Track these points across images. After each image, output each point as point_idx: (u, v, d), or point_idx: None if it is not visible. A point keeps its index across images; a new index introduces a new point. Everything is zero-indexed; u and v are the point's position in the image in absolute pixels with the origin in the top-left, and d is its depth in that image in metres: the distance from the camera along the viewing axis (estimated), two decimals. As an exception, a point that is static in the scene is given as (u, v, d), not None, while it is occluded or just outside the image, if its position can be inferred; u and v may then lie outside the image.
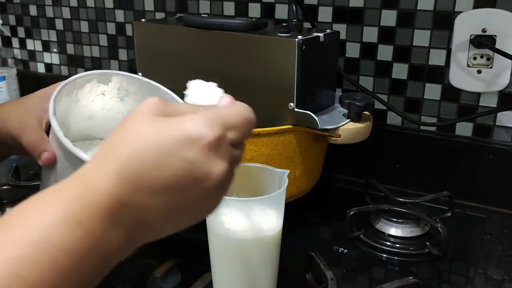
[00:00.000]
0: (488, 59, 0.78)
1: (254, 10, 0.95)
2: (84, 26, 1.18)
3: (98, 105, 0.56)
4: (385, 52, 0.86)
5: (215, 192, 0.35)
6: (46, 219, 0.31)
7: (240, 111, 0.38)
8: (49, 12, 1.23)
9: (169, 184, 0.33)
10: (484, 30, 0.77)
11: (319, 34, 0.68)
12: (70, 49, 1.23)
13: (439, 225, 0.69)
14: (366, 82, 0.88)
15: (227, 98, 0.39)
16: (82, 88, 0.53)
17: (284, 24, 0.69)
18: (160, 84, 0.55)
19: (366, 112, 0.71)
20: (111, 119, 0.58)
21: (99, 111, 0.57)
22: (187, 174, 0.33)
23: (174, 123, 0.34)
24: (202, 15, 0.81)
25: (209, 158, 0.34)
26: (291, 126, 0.68)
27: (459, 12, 0.78)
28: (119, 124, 0.35)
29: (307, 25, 0.87)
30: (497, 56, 0.77)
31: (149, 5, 1.07)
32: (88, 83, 0.53)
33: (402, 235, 0.72)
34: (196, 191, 0.34)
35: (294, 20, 0.69)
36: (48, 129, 0.53)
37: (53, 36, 1.25)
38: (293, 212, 0.64)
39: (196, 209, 0.37)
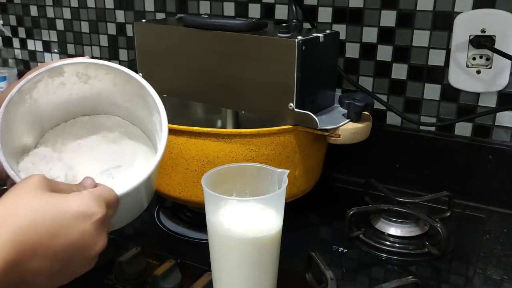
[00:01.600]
0: (487, 59, 0.78)
1: (254, 11, 0.95)
2: (85, 27, 1.18)
3: (64, 92, 0.55)
4: (384, 52, 0.86)
5: (94, 259, 0.42)
6: None
7: (111, 191, 0.45)
8: (50, 13, 1.23)
9: (60, 252, 0.39)
10: (483, 31, 0.77)
11: (319, 34, 0.68)
12: (70, 49, 1.23)
13: (438, 225, 0.69)
14: (366, 82, 0.88)
15: (90, 179, 0.46)
16: (34, 89, 0.52)
17: (284, 24, 0.69)
18: (114, 64, 0.54)
19: (365, 112, 0.71)
20: (86, 98, 0.57)
21: (68, 97, 0.56)
22: (78, 245, 0.40)
23: (67, 199, 0.40)
24: (202, 16, 0.81)
25: (98, 231, 0.41)
26: (291, 126, 0.68)
27: (459, 13, 0.78)
28: (2, 197, 0.39)
29: (307, 25, 0.87)
30: (496, 57, 0.77)
31: (149, 5, 1.07)
32: (39, 83, 0.52)
33: (402, 235, 0.73)
34: (80, 259, 0.41)
35: (294, 20, 0.70)
36: None
37: (53, 37, 1.25)
38: (293, 212, 0.65)
39: (73, 273, 0.42)
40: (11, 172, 0.46)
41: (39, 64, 1.29)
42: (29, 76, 0.50)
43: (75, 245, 0.40)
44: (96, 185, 0.46)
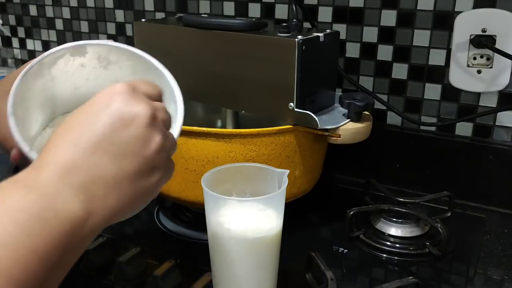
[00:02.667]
0: (488, 59, 0.78)
1: (254, 10, 0.95)
2: (84, 26, 1.18)
3: (81, 76, 0.54)
4: (385, 52, 0.86)
5: (148, 130, 0.38)
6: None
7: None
8: (49, 12, 1.23)
9: (103, 134, 0.36)
10: (484, 30, 0.77)
11: (319, 34, 0.68)
12: (70, 49, 1.23)
13: (439, 225, 0.69)
14: (366, 82, 0.88)
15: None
16: (54, 65, 0.51)
17: (284, 24, 0.69)
18: (139, 50, 0.52)
19: (366, 112, 0.71)
20: (102, 86, 0.56)
21: (85, 82, 0.55)
22: (114, 121, 0.37)
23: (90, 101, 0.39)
24: (202, 15, 0.81)
25: (128, 103, 0.38)
26: (291, 126, 0.68)
27: (459, 12, 0.78)
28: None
29: (307, 25, 0.87)
30: (497, 56, 0.77)
31: (149, 5, 1.07)
32: (60, 59, 0.50)
33: (402, 235, 0.72)
34: (128, 133, 0.37)
35: (294, 20, 0.69)
36: None
37: (53, 36, 1.25)
38: (293, 212, 0.64)
39: (139, 156, 0.38)
40: (18, 137, 0.44)
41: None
42: (52, 50, 0.49)
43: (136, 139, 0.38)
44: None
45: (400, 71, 0.86)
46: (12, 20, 1.30)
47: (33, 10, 1.25)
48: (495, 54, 0.77)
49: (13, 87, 0.45)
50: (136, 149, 0.38)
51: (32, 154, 0.43)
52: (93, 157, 0.36)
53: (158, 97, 0.43)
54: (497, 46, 0.76)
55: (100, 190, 0.36)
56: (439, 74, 0.83)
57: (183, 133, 0.67)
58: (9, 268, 0.29)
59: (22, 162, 0.45)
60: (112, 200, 0.36)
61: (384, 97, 0.87)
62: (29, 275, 0.30)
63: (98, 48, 0.52)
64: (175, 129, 0.50)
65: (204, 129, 0.66)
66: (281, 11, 0.93)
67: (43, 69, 0.50)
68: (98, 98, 0.39)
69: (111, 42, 0.52)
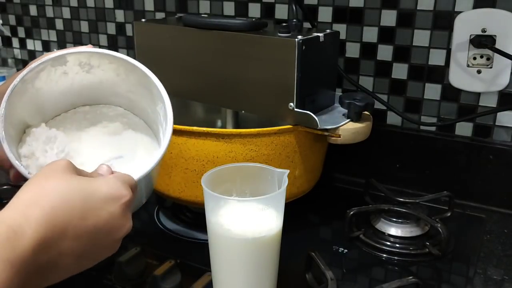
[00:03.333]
0: (488, 59, 0.78)
1: (254, 10, 0.95)
2: (84, 26, 1.18)
3: (66, 82, 0.55)
4: (385, 52, 0.86)
5: (119, 241, 0.43)
6: None
7: (130, 176, 0.46)
8: (49, 12, 1.23)
9: (89, 234, 0.39)
10: (484, 30, 0.77)
11: (319, 34, 0.68)
12: (70, 49, 1.23)
13: (439, 225, 0.69)
14: (366, 82, 0.88)
15: (106, 166, 0.46)
16: (37, 78, 0.51)
17: (284, 24, 0.69)
18: (118, 53, 0.53)
19: (366, 112, 0.71)
20: (88, 87, 0.57)
21: (70, 86, 0.56)
22: (107, 225, 0.40)
23: (95, 181, 0.41)
24: (202, 15, 0.81)
25: (125, 213, 0.42)
26: (291, 126, 0.68)
27: (459, 12, 0.78)
28: (31, 180, 0.40)
29: (307, 25, 0.87)
30: (497, 56, 0.77)
31: (149, 5, 1.07)
32: (41, 72, 0.51)
33: (402, 235, 0.72)
34: (107, 241, 0.41)
35: (294, 20, 0.69)
36: None
37: (53, 36, 1.25)
38: (293, 212, 0.64)
39: (99, 256, 0.42)
40: (15, 162, 0.46)
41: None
42: (32, 65, 0.50)
43: (104, 227, 0.40)
44: (112, 172, 0.46)
45: (400, 71, 0.86)
46: (12, 20, 1.30)
47: (33, 10, 1.25)
48: (495, 54, 0.77)
49: (0, 111, 0.47)
50: (102, 253, 0.43)
51: (30, 176, 0.45)
52: (67, 245, 0.38)
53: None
54: (497, 46, 0.76)
55: (54, 275, 0.38)
56: (439, 74, 0.83)
57: (183, 133, 0.68)
58: None
59: (22, 182, 0.46)
60: (56, 277, 0.39)
61: (384, 97, 0.87)
62: None
63: (78, 56, 0.53)
64: (168, 127, 0.51)
65: (204, 129, 0.66)
66: (281, 11, 0.93)
67: (26, 84, 0.50)
68: (107, 192, 0.42)
69: (90, 49, 0.53)
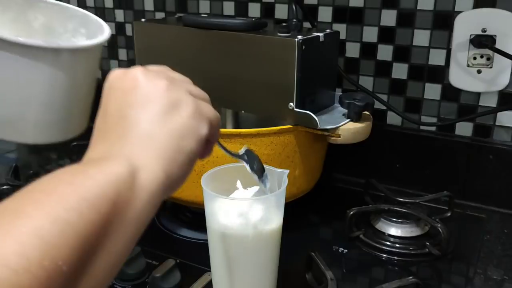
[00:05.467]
0: (488, 59, 0.78)
1: (254, 10, 0.95)
2: (84, 26, 1.18)
3: None
4: (385, 52, 0.86)
5: (169, 89, 0.38)
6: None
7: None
8: (49, 12, 1.23)
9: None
10: (484, 30, 0.77)
11: (319, 34, 0.68)
12: (70, 49, 1.23)
13: (439, 225, 0.69)
14: (366, 82, 0.88)
15: None
16: None
17: (284, 24, 0.69)
18: None
19: (366, 112, 0.71)
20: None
21: None
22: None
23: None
24: (202, 15, 0.81)
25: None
26: (291, 126, 0.68)
27: (459, 12, 0.78)
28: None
29: (307, 25, 0.87)
30: (497, 56, 0.77)
31: (149, 5, 1.07)
32: None
33: (402, 235, 0.72)
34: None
35: (294, 20, 0.69)
36: None
37: (53, 36, 1.25)
38: (293, 212, 0.64)
39: (180, 114, 0.38)
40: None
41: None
42: None
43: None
44: None
45: (400, 71, 0.85)
46: (12, 20, 1.30)
47: (33, 10, 1.25)
48: (495, 54, 0.77)
49: None
50: (155, 94, 0.38)
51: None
52: (125, 123, 0.36)
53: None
54: (497, 46, 0.76)
55: (137, 144, 0.35)
56: (439, 74, 0.83)
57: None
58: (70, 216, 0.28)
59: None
60: (150, 151, 0.35)
61: (384, 97, 0.87)
62: (79, 248, 0.28)
63: None
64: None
65: (204, 129, 0.66)
66: (281, 11, 0.92)
67: None
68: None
69: None
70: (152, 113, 0.36)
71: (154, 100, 0.37)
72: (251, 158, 0.53)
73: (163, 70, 0.42)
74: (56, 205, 0.28)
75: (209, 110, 0.41)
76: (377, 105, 0.84)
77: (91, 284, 0.29)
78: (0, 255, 0.25)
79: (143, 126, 0.36)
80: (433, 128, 0.86)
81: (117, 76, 0.39)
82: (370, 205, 0.77)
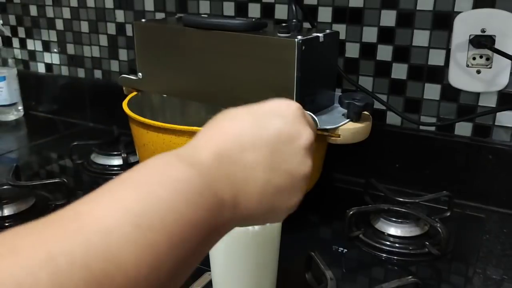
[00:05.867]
0: (487, 59, 0.78)
1: (254, 10, 0.95)
2: (84, 26, 1.18)
3: None
4: (384, 52, 0.86)
5: (305, 154, 0.39)
6: (162, 176, 0.31)
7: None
8: (49, 12, 1.23)
9: (267, 140, 0.37)
10: (483, 30, 0.77)
11: (318, 34, 0.68)
12: (70, 49, 1.23)
13: (438, 225, 0.69)
14: (366, 82, 0.88)
15: None
16: None
17: (283, 24, 0.69)
18: None
19: (365, 112, 0.71)
20: None
21: None
22: (282, 132, 0.38)
23: (260, 104, 0.40)
24: (202, 15, 0.81)
25: (299, 121, 0.39)
26: (290, 126, 0.68)
27: (459, 12, 0.78)
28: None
29: (307, 25, 0.87)
30: (496, 56, 0.77)
31: (149, 5, 1.07)
32: None
33: (402, 235, 0.72)
34: (290, 149, 0.38)
35: (294, 20, 0.69)
36: None
37: (53, 36, 1.25)
38: (293, 212, 0.64)
39: (289, 165, 0.38)
40: None
41: (38, 64, 1.30)
42: None
43: (281, 133, 0.38)
44: None
45: (399, 71, 0.86)
46: (12, 20, 1.31)
47: (33, 10, 1.26)
48: (495, 54, 0.77)
49: None
50: (289, 167, 0.38)
51: None
52: (249, 156, 0.36)
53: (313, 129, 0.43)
54: (497, 46, 0.76)
55: (247, 189, 0.36)
56: (439, 74, 0.83)
57: (183, 133, 0.68)
58: (160, 231, 0.28)
59: None
60: (253, 203, 0.36)
61: (384, 97, 0.87)
62: (173, 244, 0.29)
63: None
64: None
65: (204, 129, 0.66)
66: (281, 11, 0.93)
67: None
68: (273, 105, 0.40)
69: None
70: (281, 183, 0.37)
71: (292, 177, 0.38)
72: None
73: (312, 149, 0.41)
74: (171, 215, 0.29)
75: (304, 188, 0.41)
76: (377, 105, 0.84)
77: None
78: (116, 257, 0.25)
79: (260, 182, 0.36)
80: (433, 128, 0.86)
81: (297, 115, 0.40)
82: (370, 205, 0.77)
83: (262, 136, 0.37)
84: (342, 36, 0.87)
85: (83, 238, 0.25)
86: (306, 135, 0.39)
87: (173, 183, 0.30)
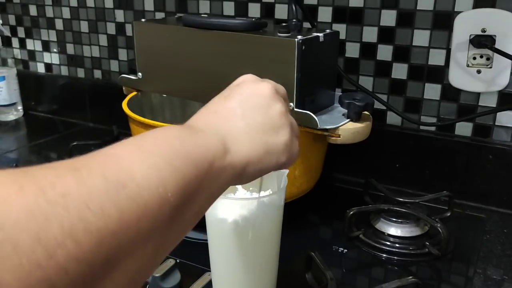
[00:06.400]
0: (487, 59, 0.78)
1: (254, 10, 0.95)
2: (84, 26, 1.18)
3: None
4: (384, 52, 0.86)
5: (272, 98, 0.45)
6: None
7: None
8: (49, 12, 1.23)
9: (239, 93, 0.44)
10: (483, 30, 0.77)
11: (318, 34, 0.68)
12: (70, 49, 1.23)
13: (438, 225, 0.69)
14: (366, 82, 0.88)
15: None
16: None
17: (283, 24, 0.69)
18: None
19: (365, 112, 0.71)
20: None
21: None
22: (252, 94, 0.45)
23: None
24: (202, 15, 0.81)
25: (274, 96, 0.46)
26: (291, 126, 0.68)
27: (459, 12, 0.78)
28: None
29: (307, 25, 0.87)
30: (496, 56, 0.77)
31: (149, 5, 1.07)
32: None
33: (402, 235, 0.72)
34: (257, 97, 0.44)
35: (294, 20, 0.69)
36: None
37: (53, 36, 1.25)
38: (293, 212, 0.64)
39: (266, 113, 0.44)
40: None
41: (38, 64, 1.29)
42: None
43: (250, 95, 0.44)
44: None
45: (399, 71, 0.86)
46: (12, 20, 1.31)
47: (33, 10, 1.25)
48: (495, 54, 0.77)
49: None
50: (263, 109, 0.44)
51: None
52: (230, 114, 0.42)
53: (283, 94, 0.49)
54: (497, 46, 0.76)
55: (235, 136, 0.41)
56: (439, 74, 0.83)
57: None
58: (167, 179, 0.32)
59: None
60: (244, 145, 0.41)
61: (384, 97, 0.87)
62: (182, 187, 0.33)
63: None
64: None
65: (204, 129, 0.66)
66: (281, 11, 0.93)
67: None
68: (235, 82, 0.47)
69: None
70: (260, 121, 0.43)
71: (267, 115, 0.44)
72: None
73: (286, 99, 0.48)
74: (169, 150, 0.34)
75: (296, 147, 0.46)
76: (377, 105, 0.84)
77: (185, 222, 0.35)
78: (129, 170, 0.30)
79: (243, 126, 0.42)
80: (433, 128, 0.86)
81: (252, 79, 0.47)
82: (370, 205, 0.77)
83: (234, 98, 0.44)
84: (342, 36, 0.87)
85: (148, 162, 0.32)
86: (266, 86, 0.46)
87: (169, 140, 0.36)
